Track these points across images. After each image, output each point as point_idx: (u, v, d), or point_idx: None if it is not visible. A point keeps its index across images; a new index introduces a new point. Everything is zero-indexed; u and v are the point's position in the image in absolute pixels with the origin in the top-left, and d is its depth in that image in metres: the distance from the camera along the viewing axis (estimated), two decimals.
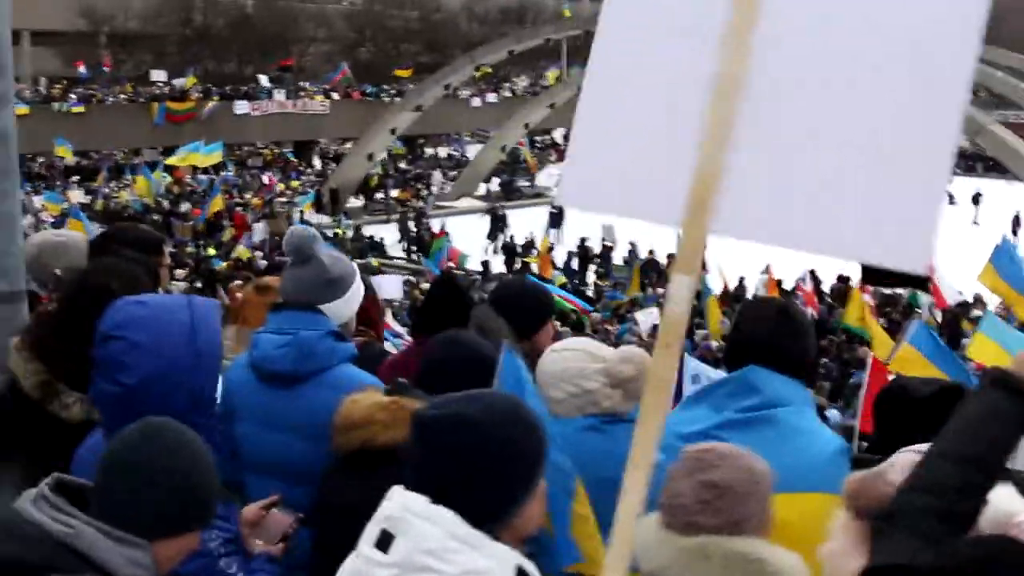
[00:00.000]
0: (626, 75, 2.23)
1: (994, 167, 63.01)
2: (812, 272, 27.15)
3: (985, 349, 13.63)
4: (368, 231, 39.05)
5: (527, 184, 54.66)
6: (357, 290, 3.67)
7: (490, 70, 53.17)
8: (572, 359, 3.08)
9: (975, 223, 44.01)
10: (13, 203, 3.50)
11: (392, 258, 35.99)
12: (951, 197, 51.65)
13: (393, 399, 2.83)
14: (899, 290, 24.45)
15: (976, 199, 48.80)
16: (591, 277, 33.32)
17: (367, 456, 2.81)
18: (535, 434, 2.16)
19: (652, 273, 29.22)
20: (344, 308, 3.58)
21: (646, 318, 21.91)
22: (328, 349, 3.37)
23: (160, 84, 51.66)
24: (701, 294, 26.17)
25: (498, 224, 38.90)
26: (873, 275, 20.13)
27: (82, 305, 3.22)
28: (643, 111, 2.16)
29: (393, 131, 47.36)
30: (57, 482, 2.16)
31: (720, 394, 2.99)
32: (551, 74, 61.41)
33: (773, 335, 3.04)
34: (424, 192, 50.58)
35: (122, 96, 50.57)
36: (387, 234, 38.84)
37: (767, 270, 25.71)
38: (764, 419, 2.90)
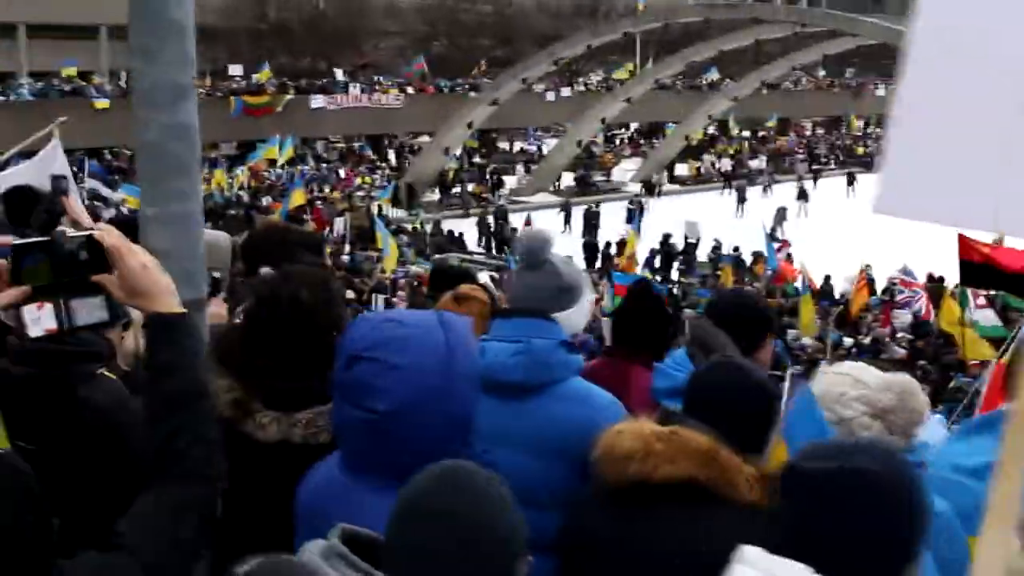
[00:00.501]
0: (946, 79, 1.97)
1: None
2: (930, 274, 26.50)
3: None
4: (445, 226, 38.99)
5: (603, 179, 54.42)
6: (587, 300, 3.48)
7: (565, 64, 52.95)
8: (834, 383, 2.83)
9: None
10: (195, 204, 3.29)
11: (472, 253, 35.92)
12: None
13: (672, 429, 2.58)
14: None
15: None
16: (674, 275, 32.92)
17: (641, 491, 2.56)
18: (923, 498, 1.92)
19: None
20: (576, 318, 3.37)
21: None
22: (562, 360, 3.16)
23: (237, 79, 51.99)
24: (789, 293, 25.88)
25: (590, 221, 38.61)
26: (972, 276, 19.55)
27: (276, 317, 3.05)
28: (969, 114, 1.91)
29: (470, 125, 47.33)
30: (347, 535, 1.96)
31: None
32: (625, 68, 60.98)
33: None
34: (499, 187, 50.51)
35: (200, 90, 50.86)
36: (464, 229, 38.74)
37: (864, 268, 25.25)
38: None
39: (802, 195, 46.81)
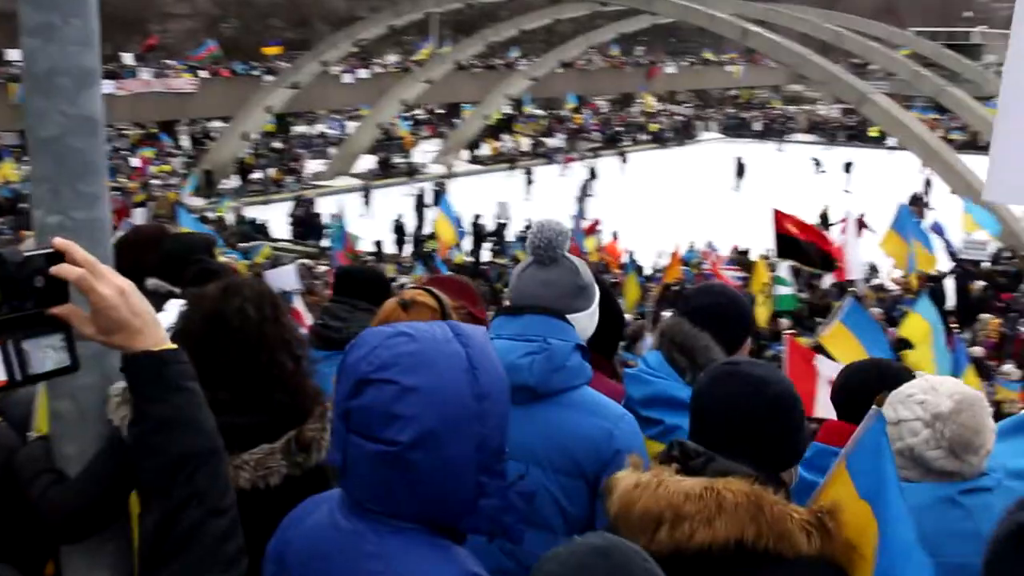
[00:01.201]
0: None
1: (857, 136, 65.11)
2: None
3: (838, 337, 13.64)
4: (247, 214, 37.90)
5: (403, 161, 54.04)
6: (597, 302, 3.16)
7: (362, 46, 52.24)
8: (916, 385, 2.57)
9: (847, 191, 44.92)
10: (102, 210, 2.84)
11: (277, 240, 34.99)
12: (819, 164, 53.17)
13: (707, 484, 2.18)
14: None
15: (848, 167, 49.98)
16: (486, 255, 32.88)
17: (676, 560, 2.15)
18: None
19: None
20: (589, 322, 3.05)
21: None
22: (577, 366, 2.84)
23: (18, 64, 49.17)
24: (600, 270, 26.06)
25: (420, 203, 38.20)
26: (786, 251, 20.21)
27: (220, 338, 2.65)
28: None
29: (269, 109, 46.19)
30: None
31: None
32: (425, 50, 60.65)
33: None
34: (298, 172, 49.52)
35: None
36: (266, 215, 37.76)
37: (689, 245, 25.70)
38: None
39: (593, 175, 47.49)
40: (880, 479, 2.18)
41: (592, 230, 27.77)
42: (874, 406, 2.25)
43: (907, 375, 2.94)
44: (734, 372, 2.37)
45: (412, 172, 51.70)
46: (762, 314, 18.02)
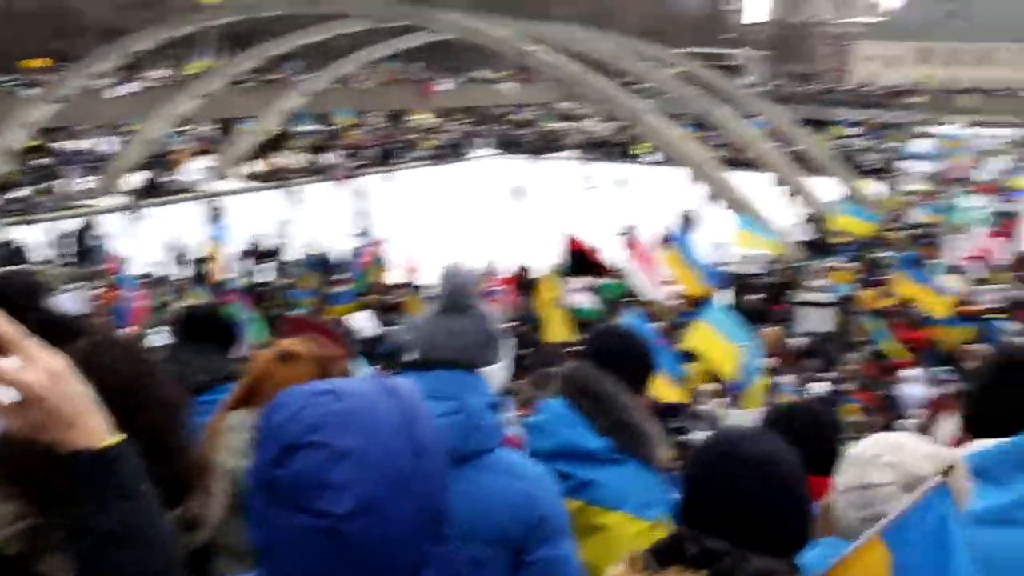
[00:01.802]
0: None
1: (627, 153, 67.01)
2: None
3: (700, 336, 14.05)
4: (5, 235, 35.80)
5: (169, 179, 52.20)
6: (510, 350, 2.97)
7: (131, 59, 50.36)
8: (876, 445, 2.42)
9: (618, 207, 46.09)
10: None
11: (41, 264, 33.18)
12: (590, 180, 54.48)
13: None
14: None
15: (619, 184, 51.35)
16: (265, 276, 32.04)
17: None
18: None
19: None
20: (500, 374, 2.87)
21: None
22: (493, 425, 2.67)
23: None
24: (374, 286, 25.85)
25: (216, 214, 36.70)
26: (579, 268, 20.62)
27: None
28: None
29: (31, 124, 43.99)
30: None
31: (997, 465, 2.51)
32: (199, 63, 59.00)
33: None
34: (57, 189, 47.23)
35: None
36: (28, 237, 35.76)
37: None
38: None
39: (367, 193, 47.05)
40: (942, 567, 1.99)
41: (373, 256, 27.41)
42: (938, 477, 2.09)
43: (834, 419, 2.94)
44: (733, 453, 2.13)
45: (182, 190, 50.11)
46: (556, 329, 18.23)
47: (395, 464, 1.75)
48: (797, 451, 2.14)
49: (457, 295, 2.84)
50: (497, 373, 2.83)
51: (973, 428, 2.65)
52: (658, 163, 53.38)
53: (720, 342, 14.17)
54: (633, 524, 2.95)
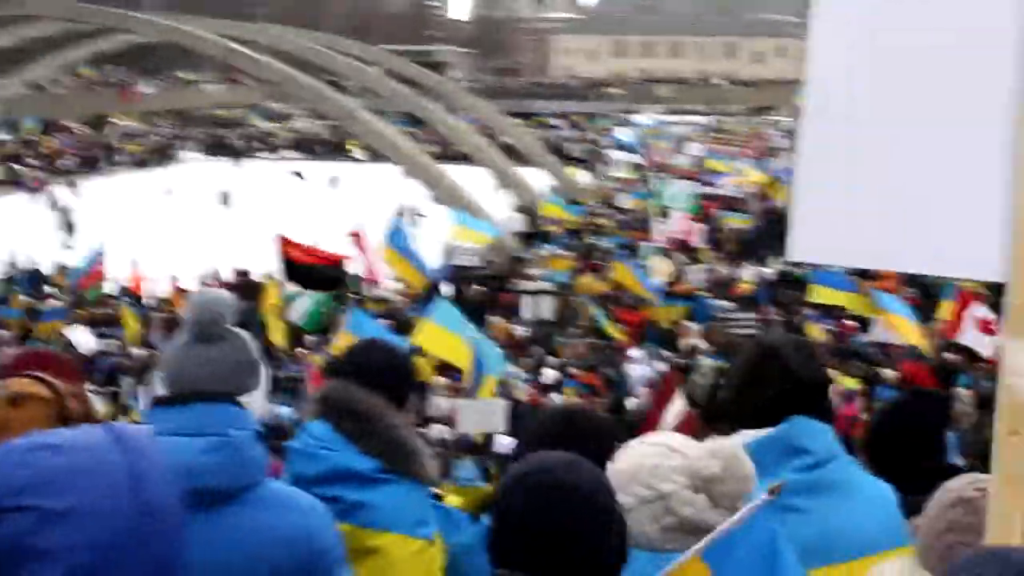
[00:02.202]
0: (841, 129, 1.78)
1: (336, 150, 66.59)
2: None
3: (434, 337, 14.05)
4: None
5: None
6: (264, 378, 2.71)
7: None
8: (646, 454, 2.31)
9: (333, 205, 45.77)
10: None
11: None
12: (301, 176, 53.72)
13: None
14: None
15: (333, 182, 50.93)
16: None
17: None
18: None
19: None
20: (259, 401, 2.60)
21: None
22: (260, 457, 2.44)
23: None
24: (91, 298, 24.59)
25: None
26: (294, 275, 20.26)
27: None
28: (867, 161, 1.74)
29: None
30: None
31: (763, 456, 2.44)
32: None
33: (819, 374, 2.64)
34: None
35: None
36: None
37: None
38: (827, 480, 2.46)
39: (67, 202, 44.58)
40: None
41: (98, 272, 25.70)
42: (767, 495, 2.05)
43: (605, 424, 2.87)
44: (549, 482, 2.00)
45: None
46: (277, 334, 17.88)
47: (115, 526, 1.50)
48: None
49: (209, 321, 2.60)
50: (257, 401, 2.62)
51: (736, 419, 2.65)
52: (372, 160, 53.31)
53: (449, 337, 14.22)
54: (408, 544, 2.83)
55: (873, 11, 1.71)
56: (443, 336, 13.84)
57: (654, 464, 2.28)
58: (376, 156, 44.92)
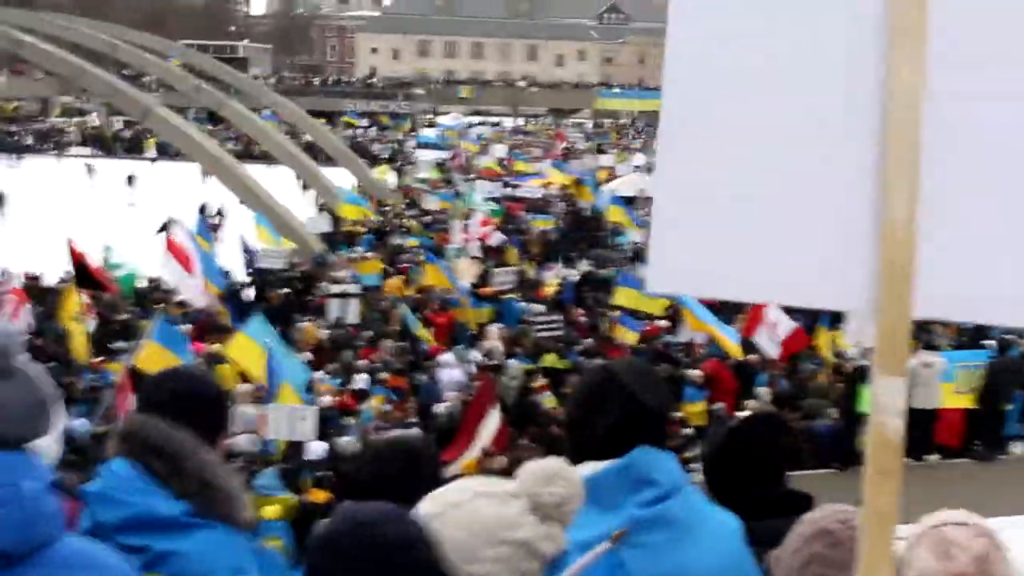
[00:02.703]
0: (698, 153, 1.69)
1: (131, 149, 64.26)
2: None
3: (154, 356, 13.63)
4: None
5: None
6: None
7: None
8: (482, 508, 2.08)
9: (131, 204, 44.18)
10: None
11: None
12: (91, 170, 51.49)
13: None
14: None
15: (130, 180, 49.10)
16: None
17: None
18: None
19: None
20: (53, 445, 2.24)
21: None
22: (55, 511, 2.11)
23: None
24: None
25: None
26: (84, 280, 19.40)
27: None
28: (727, 185, 1.65)
29: None
30: None
31: (607, 488, 2.33)
32: None
33: (663, 401, 2.51)
34: None
35: None
36: None
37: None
38: (673, 513, 2.30)
39: None
40: None
41: None
42: (609, 543, 1.96)
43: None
44: (363, 540, 1.84)
45: None
46: (77, 343, 17.10)
47: None
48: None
49: None
50: (49, 446, 2.29)
51: (577, 448, 2.49)
52: (171, 158, 51.71)
53: (250, 345, 13.91)
54: None
55: (730, 17, 1.61)
56: (251, 348, 13.52)
57: (496, 518, 2.08)
58: (176, 154, 43.63)
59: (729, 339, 16.93)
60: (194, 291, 19.91)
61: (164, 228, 20.62)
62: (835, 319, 18.81)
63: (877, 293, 1.53)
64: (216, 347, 16.21)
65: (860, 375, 16.18)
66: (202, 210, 34.90)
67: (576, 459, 2.42)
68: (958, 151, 1.56)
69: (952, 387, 14.79)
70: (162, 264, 19.67)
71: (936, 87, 1.55)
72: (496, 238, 29.14)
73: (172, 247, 19.71)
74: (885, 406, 1.52)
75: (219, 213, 34.96)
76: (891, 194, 1.51)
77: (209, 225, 29.00)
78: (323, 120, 62.08)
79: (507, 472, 13.34)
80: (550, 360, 17.14)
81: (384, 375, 16.40)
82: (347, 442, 13.29)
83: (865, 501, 1.53)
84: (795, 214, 1.57)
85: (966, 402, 14.96)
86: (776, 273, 1.58)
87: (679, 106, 1.62)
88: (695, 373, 15.79)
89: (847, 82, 1.56)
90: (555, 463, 2.11)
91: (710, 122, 1.61)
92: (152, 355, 13.88)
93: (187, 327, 18.03)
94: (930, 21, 1.54)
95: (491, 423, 12.92)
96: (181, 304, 21.18)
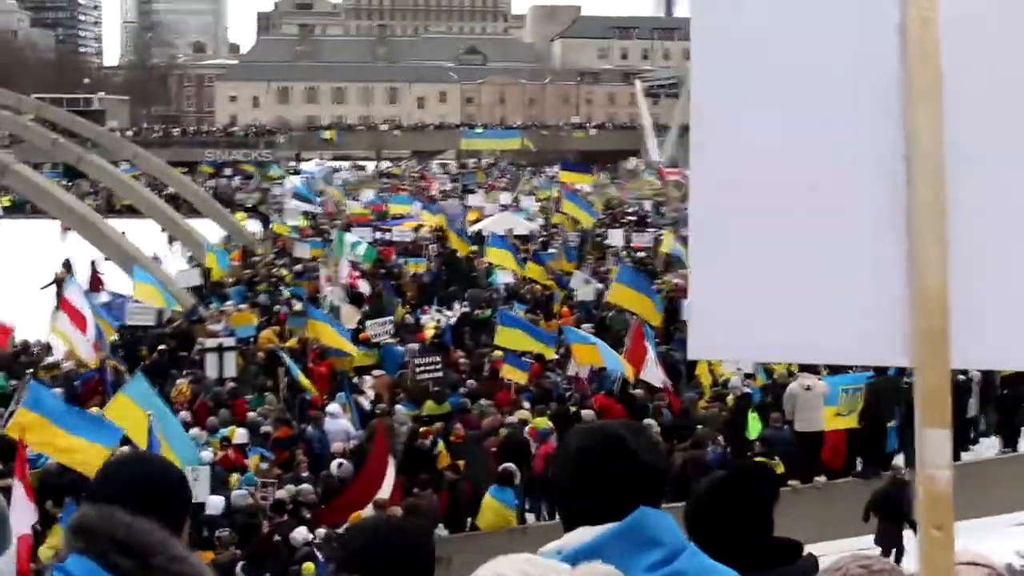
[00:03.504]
0: (733, 226, 1.70)
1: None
2: None
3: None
4: None
5: None
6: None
7: None
8: None
9: None
10: None
11: None
12: None
13: None
14: None
15: None
16: None
17: None
18: None
19: None
20: (10, 566, 1.99)
21: None
22: None
23: None
24: None
25: None
26: None
27: None
28: (763, 252, 1.66)
29: None
30: None
31: (613, 553, 2.23)
32: None
33: (663, 460, 2.46)
34: None
35: None
36: None
37: None
38: (685, 573, 2.26)
39: None
40: None
41: None
42: None
43: None
44: None
45: None
46: None
47: None
48: None
49: None
50: (5, 566, 2.08)
51: (575, 513, 2.42)
52: (25, 215, 50.23)
53: (131, 407, 13.47)
54: None
55: (752, 92, 1.62)
56: (132, 410, 13.09)
57: None
58: (33, 211, 42.35)
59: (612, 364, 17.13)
60: (86, 348, 19.30)
61: (54, 283, 19.97)
62: None
63: (917, 354, 1.54)
64: (95, 410, 15.69)
65: (746, 403, 16.53)
66: (67, 266, 33.92)
67: (571, 523, 2.37)
68: (985, 211, 1.58)
69: (835, 410, 15.13)
70: (54, 321, 19.00)
71: (957, 147, 1.58)
72: (363, 285, 28.93)
73: (65, 304, 19.14)
74: (932, 459, 1.53)
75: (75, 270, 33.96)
76: (923, 261, 1.53)
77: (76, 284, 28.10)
78: (183, 170, 60.95)
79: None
80: (429, 408, 17.04)
81: (267, 428, 16.11)
82: (242, 496, 13.15)
83: (922, 559, 1.53)
84: (831, 279, 1.58)
85: (849, 423, 15.32)
86: (817, 336, 1.58)
87: (708, 184, 1.63)
88: (588, 413, 15.83)
89: (873, 146, 1.58)
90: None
91: (741, 194, 1.62)
92: (26, 423, 13.36)
93: (58, 391, 17.40)
94: (945, 81, 1.56)
95: (389, 473, 12.80)
96: (51, 367, 20.50)
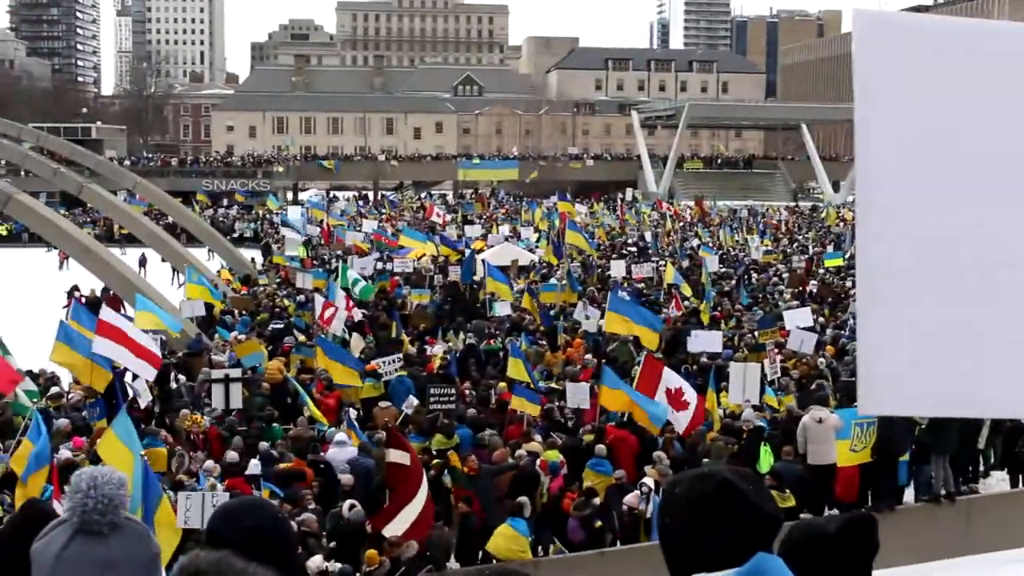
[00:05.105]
0: (901, 285, 1.72)
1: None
2: None
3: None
4: None
5: None
6: None
7: None
8: None
9: None
10: None
11: None
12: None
13: None
14: None
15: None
16: None
17: None
18: None
19: None
20: None
21: None
22: None
23: None
24: None
25: None
26: None
27: None
28: (932, 311, 1.68)
29: None
30: None
31: None
32: None
33: (776, 507, 2.46)
34: None
35: None
36: None
37: None
38: None
39: None
40: None
41: None
42: None
43: None
44: None
45: None
46: None
47: None
48: None
49: (104, 509, 2.03)
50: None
51: (691, 561, 2.42)
52: (28, 244, 50.31)
53: (119, 447, 13.31)
54: None
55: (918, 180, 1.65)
56: (121, 451, 12.95)
57: None
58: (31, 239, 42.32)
59: (649, 414, 16.88)
60: (140, 365, 19.26)
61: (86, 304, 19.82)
62: (719, 378, 19.19)
63: None
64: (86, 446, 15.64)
65: (758, 436, 16.49)
66: (72, 293, 33.95)
67: (685, 572, 2.37)
68: None
69: (848, 444, 15.11)
70: (97, 347, 18.83)
71: None
72: (358, 314, 28.82)
73: (104, 327, 19.01)
74: None
75: (86, 299, 33.90)
76: None
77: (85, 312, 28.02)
78: (183, 199, 61.00)
79: (421, 555, 13.10)
80: (438, 441, 16.96)
81: (282, 461, 16.04)
82: None
83: None
84: (999, 334, 1.59)
85: (863, 458, 15.29)
86: (987, 390, 1.59)
87: (879, 242, 1.65)
88: (600, 448, 15.78)
89: None
90: None
91: (908, 254, 1.63)
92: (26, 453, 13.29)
93: (65, 423, 17.31)
94: None
95: (422, 496, 12.92)
96: (55, 398, 20.38)
